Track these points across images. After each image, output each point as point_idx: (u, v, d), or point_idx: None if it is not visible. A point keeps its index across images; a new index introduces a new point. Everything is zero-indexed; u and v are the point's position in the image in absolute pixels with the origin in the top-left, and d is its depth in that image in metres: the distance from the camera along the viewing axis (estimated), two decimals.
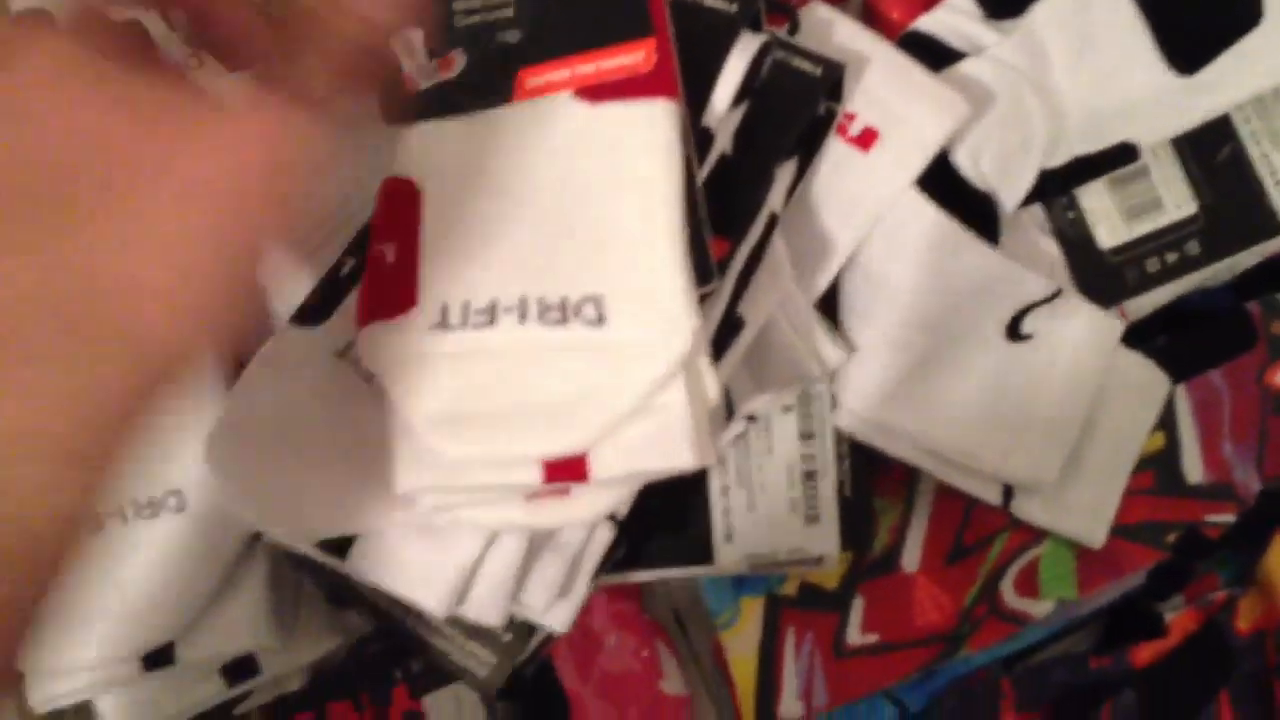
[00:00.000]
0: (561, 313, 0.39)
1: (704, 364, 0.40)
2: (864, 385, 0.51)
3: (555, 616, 0.45)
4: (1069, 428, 0.54)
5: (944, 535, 0.57)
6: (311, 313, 0.44)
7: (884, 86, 0.49)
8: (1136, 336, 0.55)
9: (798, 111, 0.46)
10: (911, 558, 0.57)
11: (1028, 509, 0.55)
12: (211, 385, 0.46)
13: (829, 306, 0.51)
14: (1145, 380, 0.55)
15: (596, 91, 0.40)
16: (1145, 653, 0.57)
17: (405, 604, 0.44)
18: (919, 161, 0.49)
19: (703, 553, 0.53)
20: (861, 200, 0.49)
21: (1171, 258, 0.55)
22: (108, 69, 0.31)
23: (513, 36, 0.42)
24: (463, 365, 0.39)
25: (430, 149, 0.42)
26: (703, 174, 0.43)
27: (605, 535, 0.46)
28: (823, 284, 0.50)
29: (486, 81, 0.41)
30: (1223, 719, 0.56)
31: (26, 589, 0.28)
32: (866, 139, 0.48)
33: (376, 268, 0.41)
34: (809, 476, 0.53)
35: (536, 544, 0.44)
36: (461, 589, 0.43)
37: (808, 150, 0.49)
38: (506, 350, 0.39)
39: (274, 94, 0.32)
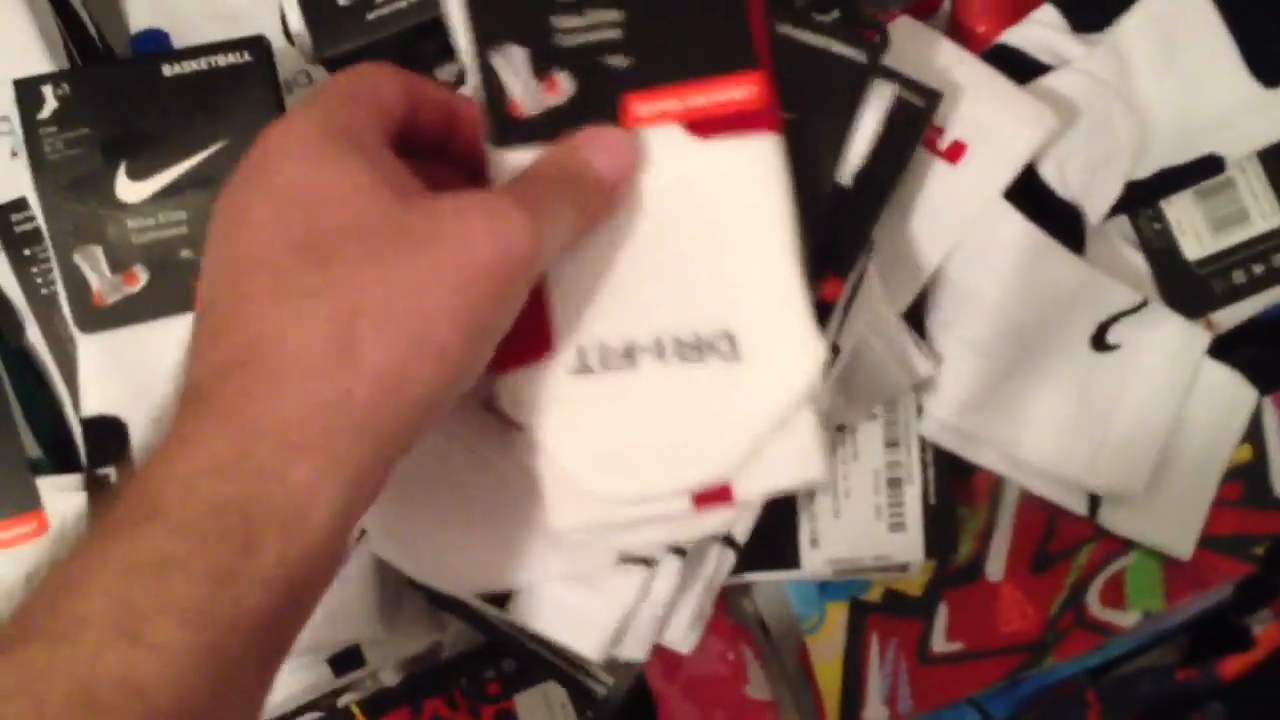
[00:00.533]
0: (698, 351, 0.39)
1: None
2: (950, 394, 0.52)
3: (688, 642, 0.46)
4: (1155, 438, 0.54)
5: (1028, 544, 0.58)
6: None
7: (973, 99, 0.49)
8: (1223, 348, 0.55)
9: (906, 144, 0.47)
10: (996, 566, 0.58)
11: (1114, 519, 0.55)
12: None
13: (915, 317, 0.52)
14: (1232, 392, 0.56)
15: (705, 124, 0.40)
16: (1232, 665, 0.57)
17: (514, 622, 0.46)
18: (1007, 174, 0.49)
19: (789, 558, 0.54)
20: (950, 212, 0.50)
21: (1258, 269, 0.56)
22: (366, 141, 0.34)
23: (619, 60, 0.40)
24: (608, 406, 0.40)
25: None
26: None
27: (730, 558, 0.47)
28: (911, 296, 0.50)
29: (595, 107, 0.40)
30: None
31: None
32: (955, 152, 0.49)
33: None
34: (894, 484, 0.54)
35: (685, 579, 0.45)
36: (619, 633, 0.44)
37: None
38: (650, 389, 0.40)
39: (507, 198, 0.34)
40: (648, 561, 0.44)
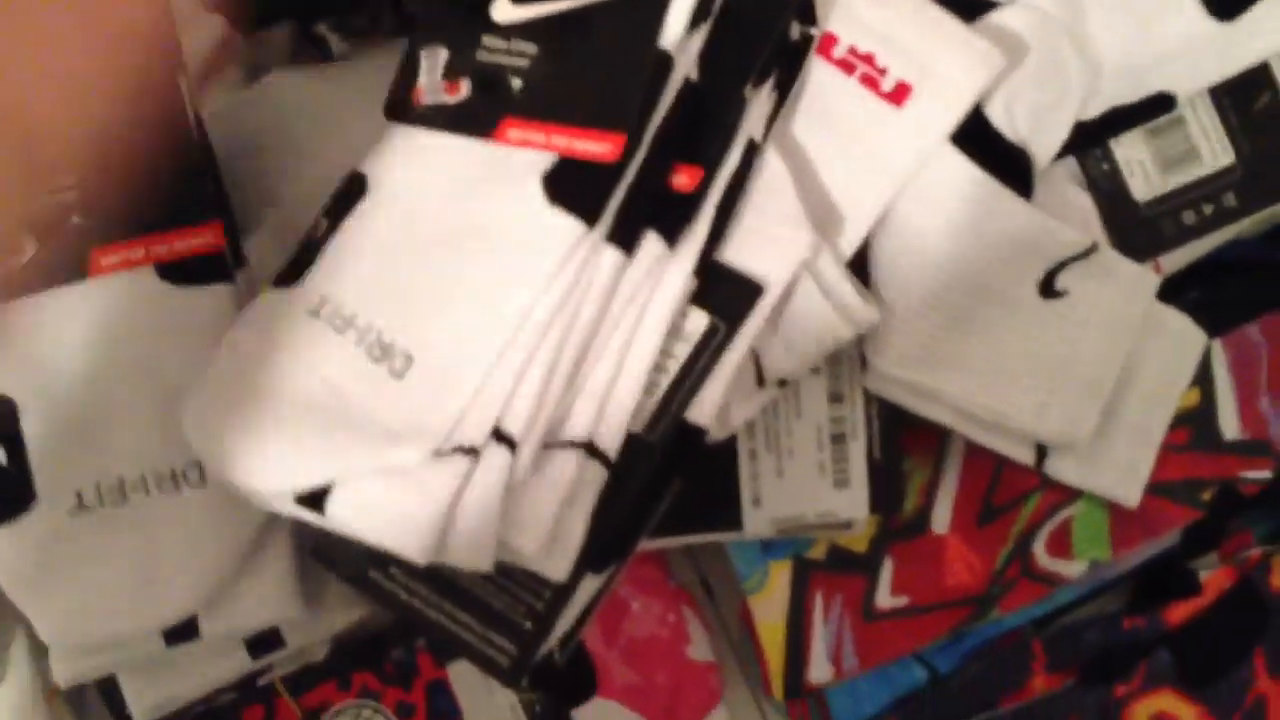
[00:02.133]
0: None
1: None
2: (894, 345, 0.50)
3: (552, 566, 0.43)
4: (1103, 384, 0.52)
5: (974, 496, 0.57)
6: (288, 275, 0.45)
7: (917, 39, 0.47)
8: (1172, 291, 0.54)
9: (765, 30, 0.46)
10: (941, 519, 0.57)
11: (1061, 468, 0.54)
12: None
13: (858, 266, 0.49)
14: (1181, 335, 0.54)
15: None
16: (1179, 611, 0.57)
17: (423, 594, 0.46)
18: (954, 116, 0.47)
19: (731, 518, 0.53)
20: (895, 157, 0.48)
21: (1208, 210, 0.54)
22: None
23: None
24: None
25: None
26: (667, 99, 0.44)
27: (597, 473, 0.44)
28: (854, 243, 0.48)
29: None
30: (1258, 676, 0.55)
31: None
32: (899, 94, 0.47)
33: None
34: (838, 439, 0.52)
35: (518, 478, 0.42)
36: (442, 532, 0.41)
37: (787, 76, 0.48)
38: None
39: None
40: (470, 451, 0.41)
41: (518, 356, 0.41)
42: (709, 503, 0.53)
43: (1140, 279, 0.52)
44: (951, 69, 0.47)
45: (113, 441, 0.45)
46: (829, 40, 0.48)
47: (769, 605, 0.56)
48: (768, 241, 0.46)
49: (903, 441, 0.54)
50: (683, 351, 0.45)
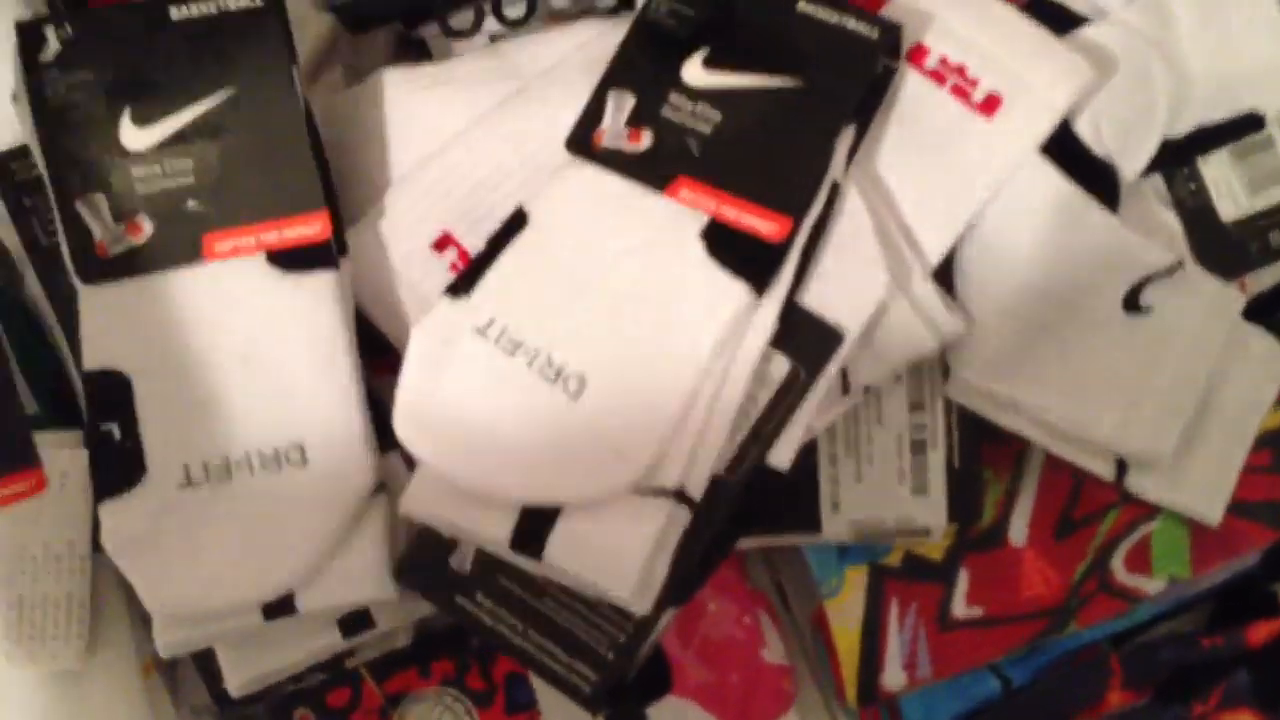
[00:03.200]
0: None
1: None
2: (977, 355, 0.51)
3: (638, 604, 0.45)
4: (1186, 401, 0.53)
5: (1052, 509, 0.57)
6: (460, 285, 0.47)
7: (1008, 51, 0.48)
8: (1258, 311, 0.54)
9: (854, 79, 0.48)
10: (1019, 531, 0.57)
11: (1142, 484, 0.54)
12: (338, 331, 0.48)
13: (945, 275, 0.50)
14: (1266, 355, 0.54)
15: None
16: (1259, 632, 0.56)
17: (509, 620, 0.49)
18: (1043, 128, 0.48)
19: (809, 521, 0.53)
20: (984, 168, 0.48)
21: None
22: None
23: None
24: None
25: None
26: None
27: (683, 518, 0.45)
28: (941, 253, 0.49)
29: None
30: None
31: None
32: (990, 105, 0.48)
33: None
34: (917, 447, 0.53)
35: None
36: (647, 572, 0.44)
37: (868, 111, 0.49)
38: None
39: None
40: (668, 493, 0.44)
41: (701, 407, 0.44)
42: (788, 505, 0.53)
43: (1225, 298, 0.53)
44: (1042, 81, 0.48)
45: (220, 420, 0.46)
46: (920, 51, 0.49)
47: (844, 611, 0.57)
48: (846, 286, 0.47)
49: (982, 452, 0.54)
50: (764, 396, 0.47)
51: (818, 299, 0.47)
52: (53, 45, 0.47)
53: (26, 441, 0.48)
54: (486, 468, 0.44)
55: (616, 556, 0.43)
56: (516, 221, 0.48)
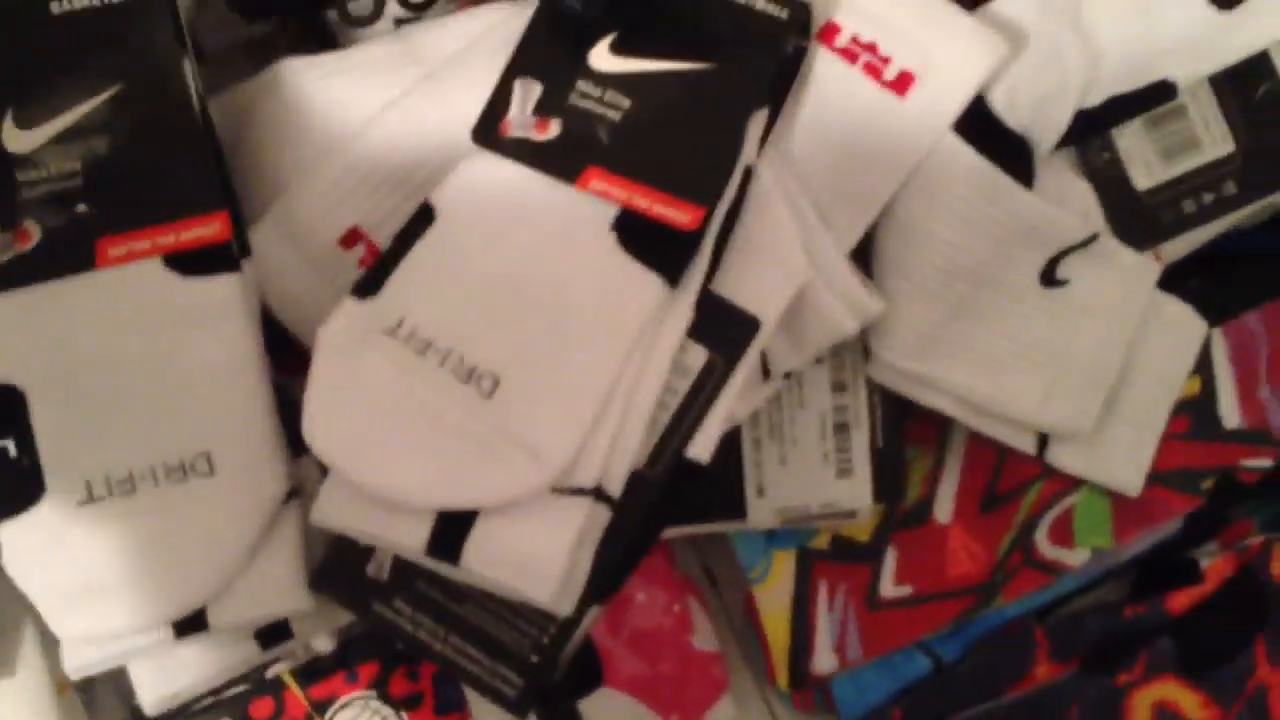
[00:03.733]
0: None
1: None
2: (897, 335, 0.51)
3: (560, 605, 0.44)
4: (1105, 373, 0.53)
5: (977, 485, 0.57)
6: (366, 286, 0.46)
7: (919, 28, 0.48)
8: (1173, 280, 0.54)
9: (765, 59, 0.47)
10: (944, 508, 0.57)
11: (1063, 457, 0.55)
12: (244, 335, 0.46)
13: (862, 256, 0.50)
14: (1181, 324, 0.55)
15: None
16: (1181, 600, 0.57)
17: (429, 626, 0.48)
18: (957, 105, 0.48)
19: (735, 507, 0.53)
20: (898, 147, 0.48)
21: (1208, 198, 0.54)
22: None
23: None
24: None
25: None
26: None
27: (603, 516, 0.45)
28: (858, 234, 0.49)
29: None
30: (1259, 664, 0.55)
31: None
32: (903, 83, 0.47)
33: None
34: (841, 429, 0.53)
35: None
36: (566, 574, 0.43)
37: (778, 92, 0.49)
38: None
39: None
40: (585, 492, 0.43)
41: (618, 403, 0.43)
42: (713, 492, 0.53)
43: (1140, 267, 0.53)
44: (954, 57, 0.48)
45: (122, 432, 0.45)
46: (831, 29, 0.48)
47: (773, 595, 0.57)
48: (763, 274, 0.47)
49: (905, 431, 0.55)
50: (682, 386, 0.46)
51: (734, 287, 0.47)
52: None
53: None
54: (398, 473, 0.43)
55: (536, 559, 0.42)
56: (423, 216, 0.46)
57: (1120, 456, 0.55)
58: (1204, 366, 0.56)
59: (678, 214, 0.44)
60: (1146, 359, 0.54)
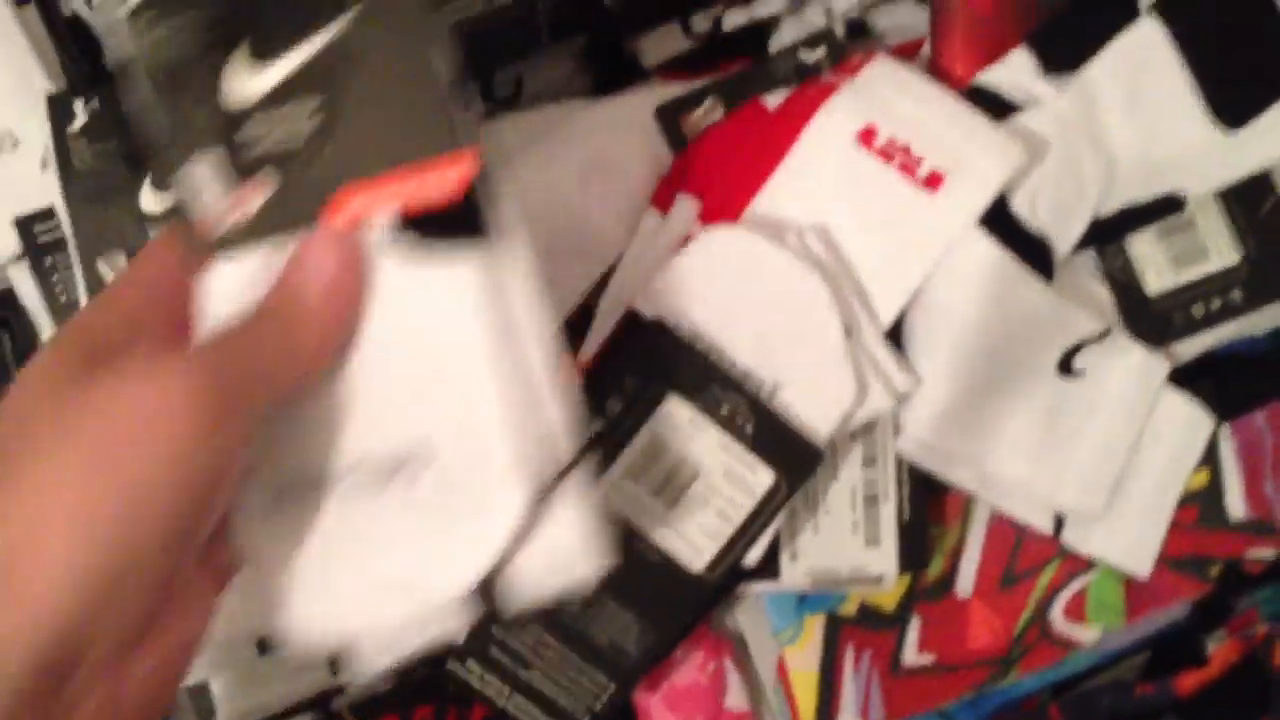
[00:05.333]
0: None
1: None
2: (925, 412, 0.55)
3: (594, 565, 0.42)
4: (1115, 460, 0.57)
5: (997, 562, 0.60)
6: None
7: (949, 133, 0.53)
8: (1183, 378, 0.58)
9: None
10: (966, 582, 0.60)
11: (1077, 538, 0.58)
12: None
13: (894, 338, 0.54)
14: (1190, 419, 0.58)
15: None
16: (1188, 682, 0.60)
17: (495, 685, 0.51)
18: (982, 202, 0.52)
19: (770, 569, 0.56)
20: (928, 239, 0.53)
21: (1216, 304, 0.58)
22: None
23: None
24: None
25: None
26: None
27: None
28: (892, 316, 0.53)
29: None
30: None
31: None
32: (933, 182, 0.52)
33: None
34: (870, 500, 0.57)
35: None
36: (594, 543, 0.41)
37: None
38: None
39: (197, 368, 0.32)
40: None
41: (519, 385, 0.39)
42: None
43: (1152, 364, 0.57)
44: (980, 160, 0.52)
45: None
46: (870, 132, 0.53)
47: (803, 657, 0.60)
48: (820, 394, 0.52)
49: (931, 506, 0.58)
50: (746, 503, 0.52)
51: (795, 407, 0.51)
52: (80, 117, 0.51)
53: None
54: (401, 604, 0.39)
55: (563, 558, 0.39)
56: None
57: (1131, 540, 0.58)
58: (1212, 460, 0.59)
59: (448, 173, 0.38)
60: (1157, 450, 0.58)
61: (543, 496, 0.39)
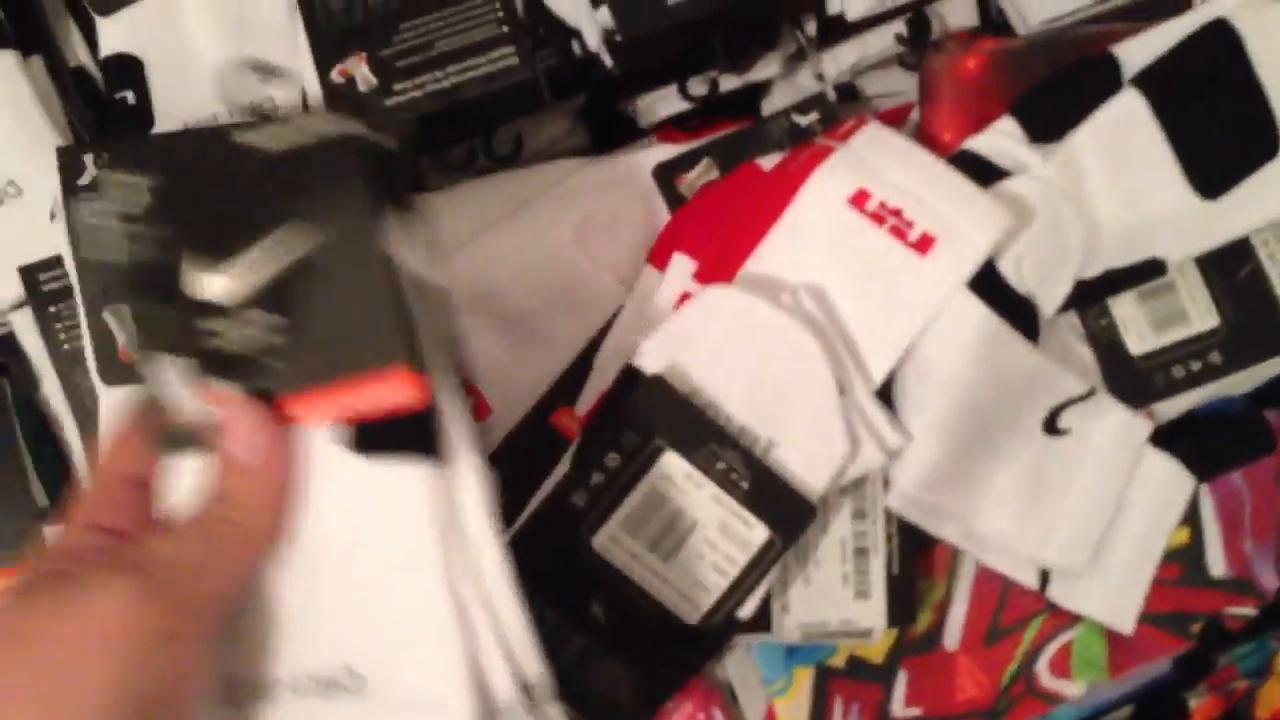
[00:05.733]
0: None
1: None
2: (914, 469, 0.56)
3: None
4: (1099, 518, 0.58)
5: (983, 616, 0.61)
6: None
7: (939, 198, 0.54)
8: (1164, 438, 0.59)
9: (348, 186, 0.41)
10: (953, 636, 0.61)
11: (1062, 593, 0.59)
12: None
13: (885, 396, 0.55)
14: (1170, 479, 0.60)
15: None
16: None
17: None
18: (970, 266, 0.54)
19: (762, 622, 0.57)
20: (919, 299, 0.54)
21: (1196, 366, 0.60)
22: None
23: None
24: None
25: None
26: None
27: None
28: (882, 375, 0.54)
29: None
30: None
31: None
32: (924, 244, 0.54)
33: None
34: (860, 553, 0.58)
35: None
36: None
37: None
38: None
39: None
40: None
41: (479, 610, 0.41)
42: None
43: (1134, 424, 0.58)
44: (969, 224, 0.54)
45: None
46: (862, 195, 0.55)
47: (793, 709, 0.60)
48: (813, 452, 0.53)
49: (919, 561, 0.59)
50: (741, 558, 0.53)
51: (789, 464, 0.53)
52: (89, 170, 0.52)
53: (36, 533, 0.52)
54: None
55: None
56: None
57: (1115, 596, 0.59)
58: (1192, 519, 0.61)
59: (393, 391, 0.40)
60: (1139, 508, 0.59)
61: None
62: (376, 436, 0.40)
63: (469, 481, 0.41)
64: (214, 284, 0.40)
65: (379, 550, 0.40)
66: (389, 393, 0.39)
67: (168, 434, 0.41)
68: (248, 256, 0.40)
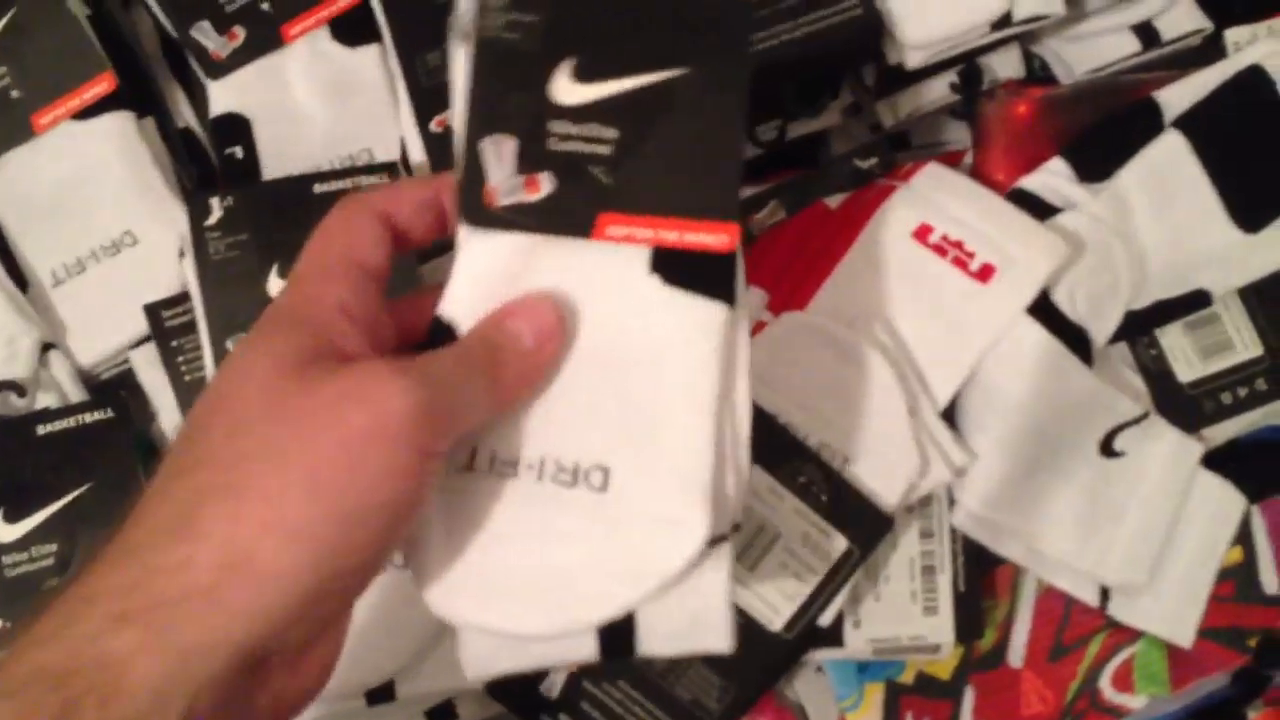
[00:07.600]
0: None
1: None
2: (978, 488, 0.59)
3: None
4: (1155, 536, 0.60)
5: (1046, 633, 0.64)
6: None
7: (998, 230, 0.58)
8: (1216, 460, 0.62)
9: (737, 50, 0.42)
10: (1017, 653, 0.64)
11: (1122, 610, 0.62)
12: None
13: (949, 416, 0.59)
14: (1223, 498, 0.62)
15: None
16: None
17: None
18: (1031, 293, 0.57)
19: (834, 636, 0.60)
20: (981, 326, 0.57)
21: (1243, 392, 0.63)
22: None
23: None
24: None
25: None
26: None
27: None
28: (947, 397, 0.57)
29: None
30: None
31: None
32: (985, 274, 0.57)
33: None
34: (928, 571, 0.60)
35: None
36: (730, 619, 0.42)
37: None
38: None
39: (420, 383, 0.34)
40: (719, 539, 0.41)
41: (727, 442, 0.40)
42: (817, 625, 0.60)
43: (1187, 446, 0.61)
44: (1028, 254, 0.57)
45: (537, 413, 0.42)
46: (925, 229, 0.58)
47: None
48: (887, 467, 0.56)
49: (983, 580, 0.62)
50: (821, 568, 0.55)
51: (864, 479, 0.56)
52: (216, 213, 0.56)
53: None
54: (549, 611, 0.39)
55: (704, 619, 0.40)
56: (442, 333, 0.40)
57: (1174, 612, 0.62)
58: (1245, 538, 0.63)
59: (711, 238, 0.40)
60: (1193, 527, 0.62)
61: (712, 547, 0.39)
62: (686, 270, 0.40)
63: (744, 335, 0.41)
64: (574, 88, 0.41)
65: (661, 371, 0.40)
66: (708, 236, 0.40)
67: (476, 205, 0.40)
68: (614, 69, 0.40)
